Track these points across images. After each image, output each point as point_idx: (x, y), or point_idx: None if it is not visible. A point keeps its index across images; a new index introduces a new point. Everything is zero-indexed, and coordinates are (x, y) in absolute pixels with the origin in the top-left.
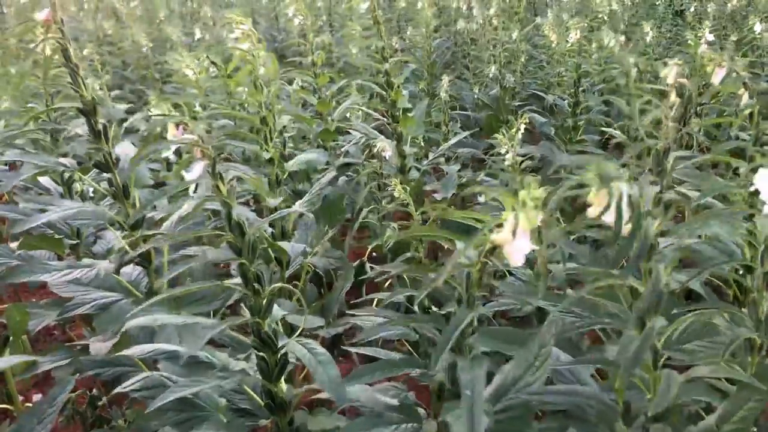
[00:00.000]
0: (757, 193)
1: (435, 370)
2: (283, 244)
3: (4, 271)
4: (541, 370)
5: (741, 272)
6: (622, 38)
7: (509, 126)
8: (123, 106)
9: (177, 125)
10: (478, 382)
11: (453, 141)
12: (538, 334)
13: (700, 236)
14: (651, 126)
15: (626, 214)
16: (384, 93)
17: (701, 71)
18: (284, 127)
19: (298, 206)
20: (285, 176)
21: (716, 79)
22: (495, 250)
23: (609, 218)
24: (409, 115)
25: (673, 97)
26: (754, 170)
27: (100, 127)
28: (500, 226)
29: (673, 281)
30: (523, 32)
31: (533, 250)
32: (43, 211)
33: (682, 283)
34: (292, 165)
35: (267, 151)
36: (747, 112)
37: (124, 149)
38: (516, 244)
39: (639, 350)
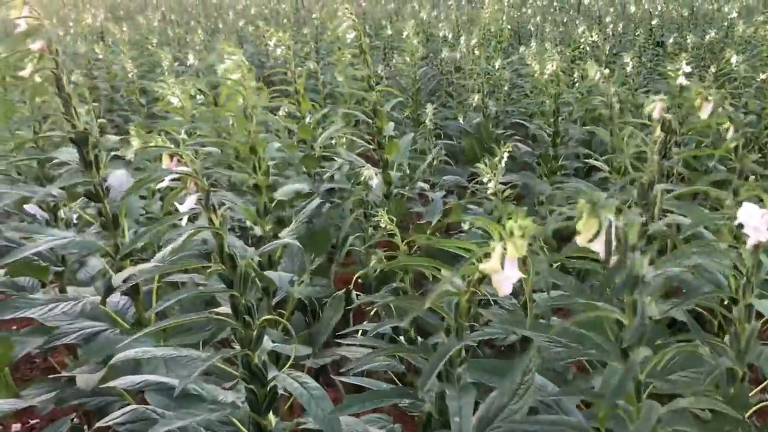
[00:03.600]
0: (741, 226)
1: (423, 394)
2: (271, 274)
3: None
4: (525, 397)
5: (726, 303)
6: (606, 71)
7: (492, 154)
8: (115, 137)
9: (171, 157)
10: (466, 409)
11: (426, 163)
12: (520, 363)
13: (687, 267)
14: (633, 158)
15: (614, 243)
16: (370, 121)
17: (683, 103)
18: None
19: (286, 236)
20: (273, 205)
21: (704, 113)
22: (483, 279)
23: (598, 247)
24: (395, 141)
25: (657, 131)
26: (740, 204)
27: (92, 157)
28: (488, 255)
29: (657, 310)
30: (507, 61)
31: (520, 280)
32: (28, 239)
33: (665, 312)
34: (280, 194)
35: (256, 180)
36: (732, 145)
37: (116, 178)
38: (504, 273)
39: (621, 382)
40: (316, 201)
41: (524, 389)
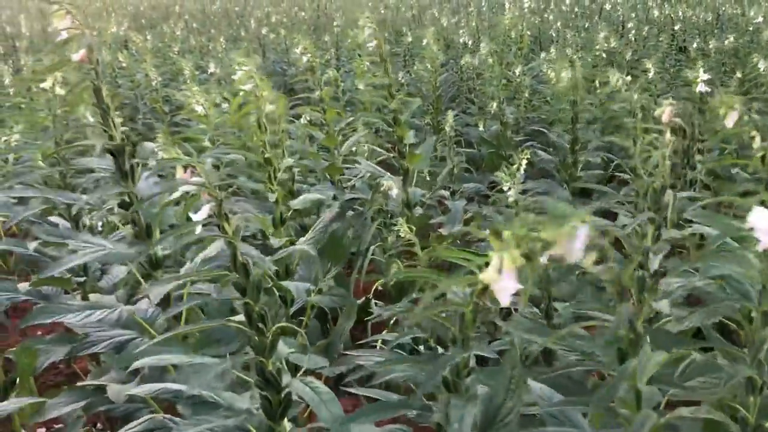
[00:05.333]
0: (751, 230)
1: (418, 400)
2: (288, 284)
3: (33, 313)
4: (517, 393)
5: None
6: (629, 77)
7: (511, 162)
8: (151, 146)
9: (185, 168)
10: (467, 418)
11: (446, 171)
12: (506, 358)
13: (709, 276)
14: (647, 163)
15: (581, 252)
16: (390, 129)
17: (707, 111)
18: (290, 166)
19: (303, 244)
20: (289, 214)
21: (729, 122)
22: (486, 290)
23: (570, 257)
24: (416, 151)
25: (668, 135)
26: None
27: (128, 167)
28: (488, 265)
29: (678, 320)
30: (527, 67)
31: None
32: (61, 245)
33: (683, 321)
34: (296, 204)
35: (271, 191)
36: (760, 155)
37: (146, 187)
38: (502, 283)
39: (612, 388)
40: (333, 211)
41: (515, 383)
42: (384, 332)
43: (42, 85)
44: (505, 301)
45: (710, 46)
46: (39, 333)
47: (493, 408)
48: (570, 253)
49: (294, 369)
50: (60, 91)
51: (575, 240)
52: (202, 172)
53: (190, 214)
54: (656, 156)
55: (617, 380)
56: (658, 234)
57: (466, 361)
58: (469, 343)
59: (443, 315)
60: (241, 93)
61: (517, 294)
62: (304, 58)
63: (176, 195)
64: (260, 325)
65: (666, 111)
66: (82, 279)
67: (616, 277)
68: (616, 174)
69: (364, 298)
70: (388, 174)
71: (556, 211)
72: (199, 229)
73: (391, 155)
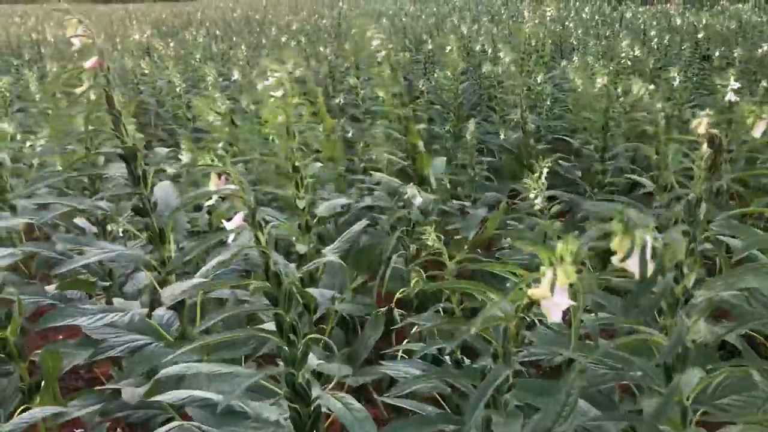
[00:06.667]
0: None
1: (468, 426)
2: (312, 291)
3: (48, 315)
4: (569, 420)
5: None
6: (652, 86)
7: (532, 170)
8: (163, 152)
9: (219, 175)
10: None
11: (467, 180)
12: (564, 384)
13: (738, 289)
14: (680, 175)
15: (650, 262)
16: (403, 137)
17: (733, 119)
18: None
19: (330, 253)
20: (315, 221)
21: (757, 132)
22: (532, 305)
23: (632, 267)
24: (425, 155)
25: (704, 147)
26: None
27: (140, 172)
28: (537, 280)
29: (707, 331)
30: (548, 75)
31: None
32: (80, 252)
33: (718, 336)
34: (322, 210)
35: (299, 198)
36: None
37: (163, 191)
38: (554, 300)
39: (662, 406)
40: (363, 223)
41: (568, 411)
42: (405, 341)
43: (74, 91)
44: (556, 317)
45: (735, 55)
46: (60, 336)
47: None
48: (635, 263)
49: (318, 376)
50: (92, 96)
51: (643, 250)
52: (236, 180)
53: (224, 223)
54: (685, 165)
55: (668, 397)
56: (692, 248)
57: (507, 376)
58: (511, 359)
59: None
60: (271, 100)
61: (567, 310)
62: (324, 67)
63: (210, 202)
64: (291, 335)
65: (703, 122)
66: (107, 283)
67: (667, 290)
68: (637, 183)
69: (387, 308)
70: (411, 184)
71: (622, 218)
72: (231, 237)
73: (405, 163)
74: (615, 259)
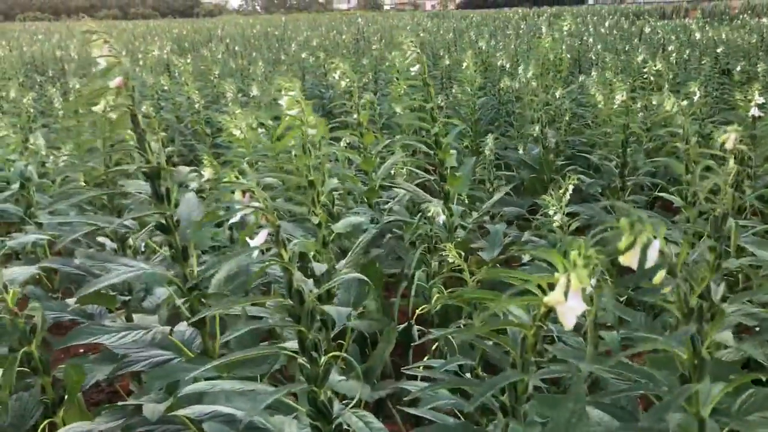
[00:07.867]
0: None
1: (474, 405)
2: (330, 309)
3: (72, 333)
4: (578, 427)
5: None
6: (684, 102)
7: (553, 185)
8: (186, 169)
9: (244, 192)
10: None
11: (495, 198)
12: (571, 391)
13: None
14: (707, 191)
15: (652, 260)
16: (431, 152)
17: (757, 134)
18: (332, 189)
19: (342, 268)
20: (332, 237)
21: None
22: (549, 313)
23: (633, 260)
24: (457, 174)
25: (731, 163)
26: None
27: (163, 190)
28: (552, 287)
29: (734, 350)
30: (567, 90)
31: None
32: (102, 267)
33: (742, 350)
34: (339, 227)
35: (315, 214)
36: None
37: (186, 209)
38: (568, 304)
39: (662, 407)
40: (370, 234)
41: (576, 417)
42: (425, 358)
43: (94, 109)
44: (571, 323)
45: (759, 69)
46: (81, 351)
47: None
48: (635, 257)
49: (335, 393)
50: (112, 114)
51: (649, 251)
52: (260, 197)
53: (248, 240)
54: (712, 181)
55: (672, 400)
56: (719, 263)
57: (525, 385)
58: (529, 367)
59: (500, 337)
60: (287, 118)
61: (583, 315)
62: (343, 83)
63: (234, 219)
64: (313, 353)
65: (731, 137)
66: (126, 298)
67: (683, 299)
68: (658, 199)
69: (406, 323)
70: (428, 197)
71: (630, 219)
72: (255, 254)
73: (432, 178)
74: (622, 260)
